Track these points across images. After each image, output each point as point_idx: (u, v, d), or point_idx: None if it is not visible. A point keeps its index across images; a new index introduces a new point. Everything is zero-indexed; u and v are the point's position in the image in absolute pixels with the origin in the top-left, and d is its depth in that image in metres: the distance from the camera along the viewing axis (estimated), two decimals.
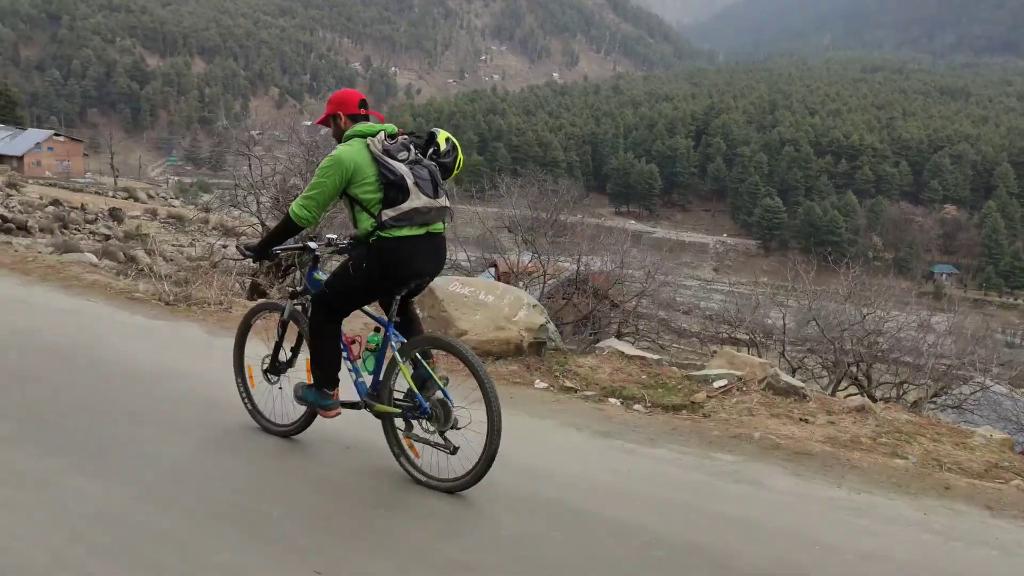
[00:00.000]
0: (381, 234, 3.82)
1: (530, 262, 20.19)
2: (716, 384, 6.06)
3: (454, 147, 4.07)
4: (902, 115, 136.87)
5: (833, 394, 10.51)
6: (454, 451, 3.87)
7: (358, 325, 4.91)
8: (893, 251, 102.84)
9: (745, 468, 4.68)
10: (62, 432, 4.55)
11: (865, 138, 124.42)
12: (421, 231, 3.88)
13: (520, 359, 6.49)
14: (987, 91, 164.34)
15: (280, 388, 4.55)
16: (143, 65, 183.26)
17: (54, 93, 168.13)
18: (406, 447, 4.10)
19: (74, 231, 22.61)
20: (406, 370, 3.99)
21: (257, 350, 4.69)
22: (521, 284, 24.24)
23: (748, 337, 17.20)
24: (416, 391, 3.94)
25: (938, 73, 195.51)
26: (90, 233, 23.19)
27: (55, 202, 34.64)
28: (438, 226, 4.01)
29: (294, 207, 3.91)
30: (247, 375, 4.70)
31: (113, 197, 45.74)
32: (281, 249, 4.28)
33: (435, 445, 3.94)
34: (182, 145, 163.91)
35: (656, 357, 7.06)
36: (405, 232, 3.82)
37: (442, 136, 4.06)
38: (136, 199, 46.21)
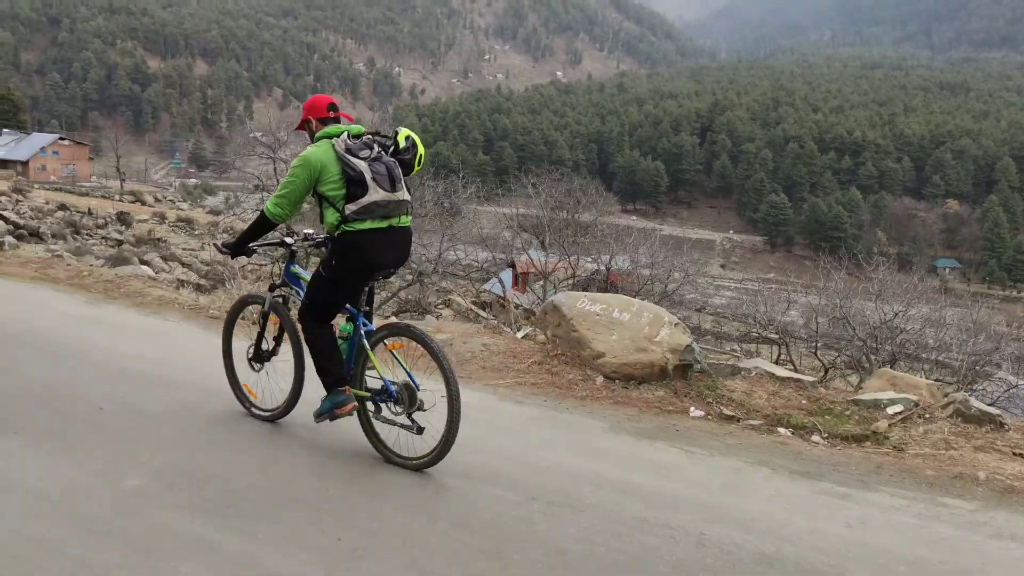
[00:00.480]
0: (345, 227, 4.05)
1: (558, 261, 20.17)
2: (891, 411, 5.48)
3: (413, 144, 4.27)
4: (903, 111, 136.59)
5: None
6: (420, 431, 4.08)
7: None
8: (897, 246, 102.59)
9: (994, 519, 4.07)
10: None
11: (867, 134, 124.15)
12: (383, 224, 4.10)
13: (665, 383, 6.01)
14: (987, 86, 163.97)
15: (266, 375, 4.78)
16: (144, 67, 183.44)
17: (55, 97, 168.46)
18: (377, 429, 4.31)
19: (86, 236, 22.50)
20: (373, 357, 4.21)
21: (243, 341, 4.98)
22: (540, 284, 24.23)
23: (778, 337, 16.85)
24: (382, 376, 4.16)
25: (937, 69, 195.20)
26: (102, 238, 23.09)
27: (63, 207, 34.64)
28: (402, 220, 4.22)
29: (268, 205, 4.18)
30: (234, 364, 4.97)
31: (120, 201, 45.76)
32: (258, 245, 4.50)
33: (402, 426, 4.14)
34: (186, 147, 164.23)
35: (810, 379, 6.53)
36: (368, 225, 4.05)
37: (402, 135, 4.27)
38: (143, 203, 46.20)
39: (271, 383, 4.74)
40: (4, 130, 77.04)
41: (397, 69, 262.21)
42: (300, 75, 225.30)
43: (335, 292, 4.24)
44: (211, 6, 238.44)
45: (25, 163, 72.34)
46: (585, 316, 6.42)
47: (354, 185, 4.00)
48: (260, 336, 4.76)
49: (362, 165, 4.01)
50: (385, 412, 4.24)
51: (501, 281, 22.21)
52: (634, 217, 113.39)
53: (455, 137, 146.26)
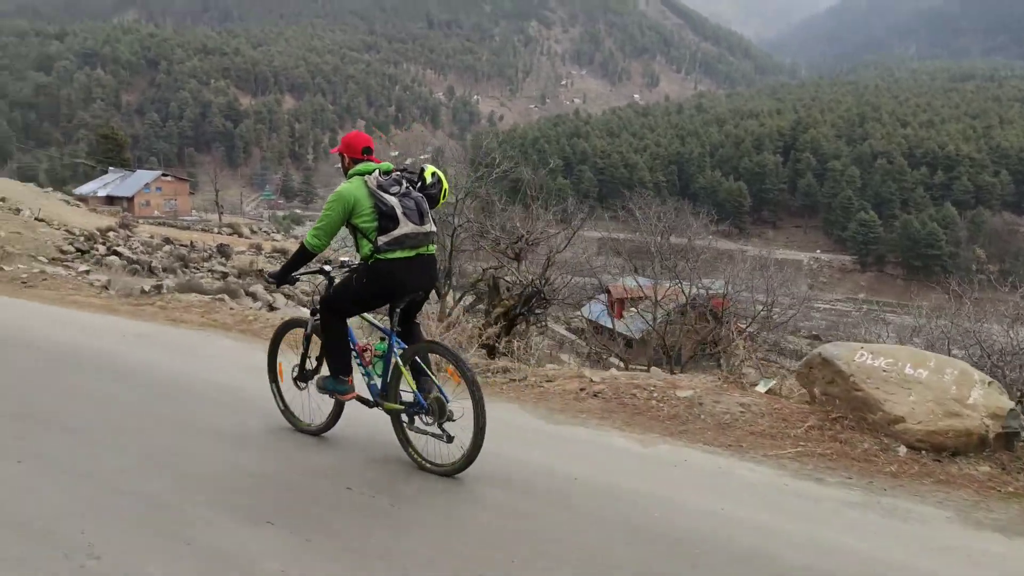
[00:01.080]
0: (378, 256, 4.43)
1: (659, 287, 20.13)
2: None
3: (439, 180, 4.65)
4: (999, 123, 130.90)
5: None
6: (450, 440, 4.44)
7: (371, 335, 5.59)
8: (998, 263, 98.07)
9: None
10: None
11: (961, 148, 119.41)
12: (411, 253, 4.48)
13: (987, 456, 5.10)
14: None
15: (309, 393, 5.13)
16: (236, 104, 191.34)
17: (154, 135, 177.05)
18: (411, 438, 4.69)
19: (193, 270, 23.56)
20: (406, 372, 4.57)
21: (289, 359, 5.30)
22: (634, 309, 24.20)
23: None
24: (415, 390, 4.54)
25: None
26: (208, 271, 24.13)
27: (167, 241, 36.29)
28: (429, 248, 4.60)
29: (307, 237, 4.58)
30: (279, 382, 5.35)
31: (218, 233, 47.55)
32: (300, 273, 4.88)
33: (433, 435, 4.50)
34: (275, 179, 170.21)
35: None
36: (398, 254, 4.43)
37: (428, 171, 4.64)
38: (240, 234, 47.94)
39: (314, 400, 5.09)
40: (110, 168, 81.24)
41: (476, 97, 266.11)
42: (382, 106, 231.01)
43: (357, 303, 4.70)
44: (298, 43, 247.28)
45: (130, 199, 76.08)
46: (869, 372, 5.58)
47: (386, 219, 4.39)
48: (304, 357, 5.11)
49: (393, 200, 4.39)
50: (418, 423, 4.60)
51: (610, 309, 22.21)
52: (710, 238, 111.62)
53: (534, 162, 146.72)
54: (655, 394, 6.13)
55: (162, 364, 6.95)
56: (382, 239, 4.39)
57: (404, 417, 4.67)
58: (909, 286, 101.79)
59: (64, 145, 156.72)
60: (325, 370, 4.97)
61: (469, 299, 19.76)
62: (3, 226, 23.82)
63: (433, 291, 19.97)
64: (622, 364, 21.25)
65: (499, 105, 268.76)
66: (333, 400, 5.00)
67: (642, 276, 23.37)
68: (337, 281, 4.91)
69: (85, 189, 76.08)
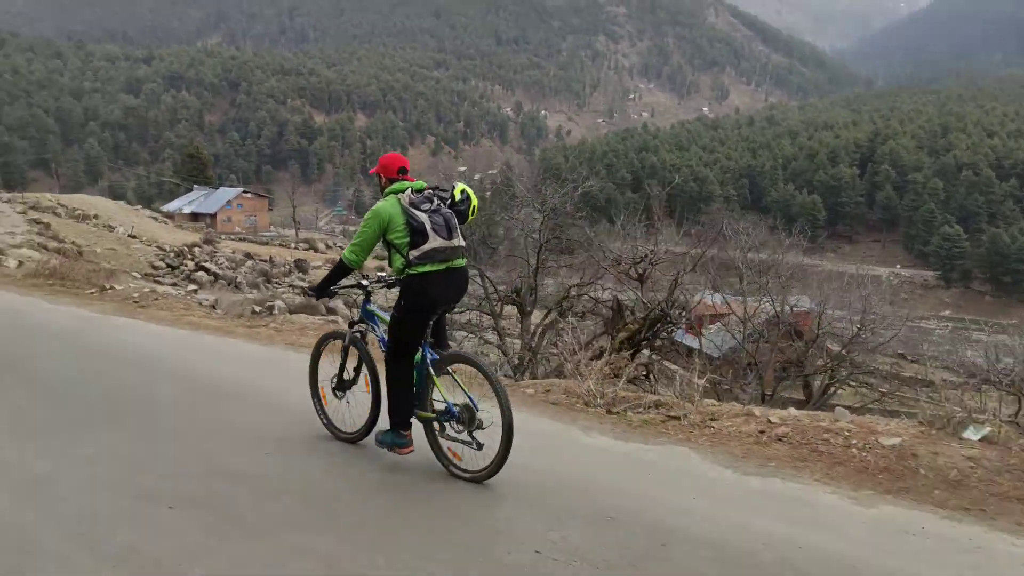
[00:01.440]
0: (410, 271, 4.63)
1: (747, 304, 19.72)
2: None
3: (468, 197, 4.84)
4: None
5: None
6: (480, 447, 4.55)
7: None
8: None
9: None
10: None
11: None
12: (442, 267, 4.66)
13: None
14: None
15: (347, 402, 5.33)
16: (311, 123, 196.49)
17: (234, 153, 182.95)
18: (443, 446, 4.82)
19: (275, 285, 24.18)
20: (438, 382, 4.72)
21: (327, 370, 5.45)
22: (713, 327, 23.78)
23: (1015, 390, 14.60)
24: (447, 399, 4.66)
25: None
26: (289, 286, 24.73)
27: (248, 256, 37.35)
28: (458, 262, 4.75)
29: (345, 253, 4.80)
30: (320, 393, 5.53)
31: (295, 248, 48.74)
32: (339, 287, 5.12)
33: (464, 443, 4.63)
34: (346, 195, 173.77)
35: None
36: (428, 268, 4.61)
37: (458, 189, 4.82)
38: (316, 250, 49.07)
39: (352, 408, 5.28)
40: (195, 186, 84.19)
41: (543, 112, 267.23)
42: (451, 122, 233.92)
43: (411, 330, 4.76)
44: (370, 63, 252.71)
45: (213, 215, 78.37)
46: None
47: (416, 234, 4.58)
48: (342, 367, 5.31)
49: (423, 217, 4.60)
50: (448, 430, 4.71)
51: (700, 329, 21.84)
52: (802, 256, 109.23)
53: (603, 176, 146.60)
54: (853, 440, 5.35)
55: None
56: (413, 253, 4.59)
57: (436, 425, 4.82)
58: (998, 303, 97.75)
59: (151, 164, 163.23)
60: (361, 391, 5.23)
61: (551, 315, 19.63)
62: (100, 243, 24.98)
63: (516, 307, 20.02)
64: (708, 384, 20.82)
65: (566, 120, 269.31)
66: (369, 409, 5.20)
67: (720, 292, 22.91)
68: (371, 298, 5.27)
69: (172, 206, 78.98)
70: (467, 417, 4.58)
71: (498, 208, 20.47)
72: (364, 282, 5.23)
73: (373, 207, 4.77)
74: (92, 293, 11.57)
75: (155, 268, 22.09)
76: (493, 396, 4.47)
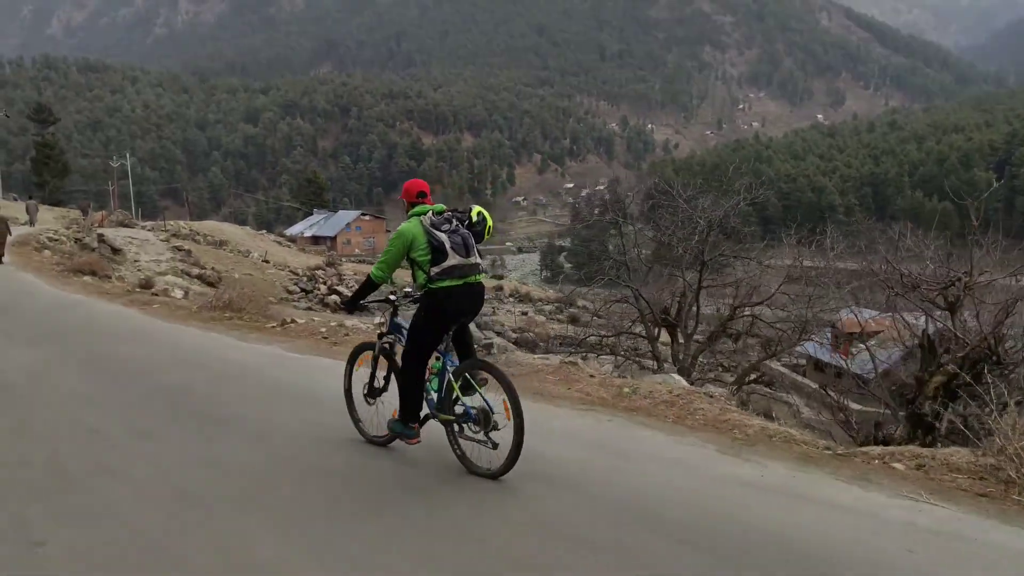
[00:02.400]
0: (431, 286, 4.98)
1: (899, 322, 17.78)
2: None
3: (483, 218, 5.19)
4: None
5: None
6: (495, 447, 4.82)
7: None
8: None
9: None
10: None
11: None
12: (460, 282, 5.00)
13: None
14: None
15: (376, 409, 5.62)
16: (420, 144, 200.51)
17: (346, 177, 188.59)
18: (462, 446, 5.10)
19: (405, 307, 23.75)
20: (456, 387, 5.02)
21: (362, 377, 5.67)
22: (865, 345, 21.83)
23: None
24: (467, 403, 4.96)
25: None
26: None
27: (391, 280, 37.40)
28: (476, 278, 5.10)
29: (373, 270, 5.20)
30: (354, 400, 5.84)
31: None
32: (368, 301, 5.59)
33: (480, 442, 4.90)
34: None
35: None
36: (447, 283, 4.96)
37: (475, 211, 5.19)
38: None
39: (382, 414, 5.55)
40: (315, 210, 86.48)
41: (650, 126, 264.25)
42: (557, 139, 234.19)
43: (428, 336, 5.11)
44: (476, 83, 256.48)
45: (333, 238, 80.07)
46: None
47: (437, 252, 4.94)
48: (372, 376, 5.64)
49: (443, 236, 4.94)
50: (467, 431, 5.01)
51: (835, 344, 20.11)
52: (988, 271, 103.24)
53: (715, 190, 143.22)
54: None
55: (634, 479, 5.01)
56: (434, 270, 4.94)
57: (456, 427, 5.11)
58: None
59: (268, 190, 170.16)
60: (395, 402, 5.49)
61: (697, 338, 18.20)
62: (237, 268, 25.27)
63: (667, 331, 18.77)
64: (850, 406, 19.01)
65: (673, 133, 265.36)
66: (401, 438, 5.43)
67: (867, 308, 20.90)
68: (398, 312, 5.54)
69: (293, 230, 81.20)
70: (483, 419, 4.86)
71: (614, 221, 19.13)
72: (392, 297, 5.59)
73: (399, 228, 5.13)
74: (274, 327, 10.70)
75: (290, 292, 21.99)
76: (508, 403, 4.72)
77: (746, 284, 17.35)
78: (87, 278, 16.28)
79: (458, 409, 5.07)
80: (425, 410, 5.27)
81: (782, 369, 25.62)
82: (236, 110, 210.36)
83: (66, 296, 13.95)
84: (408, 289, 5.52)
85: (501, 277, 52.67)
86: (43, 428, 5.72)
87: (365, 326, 12.07)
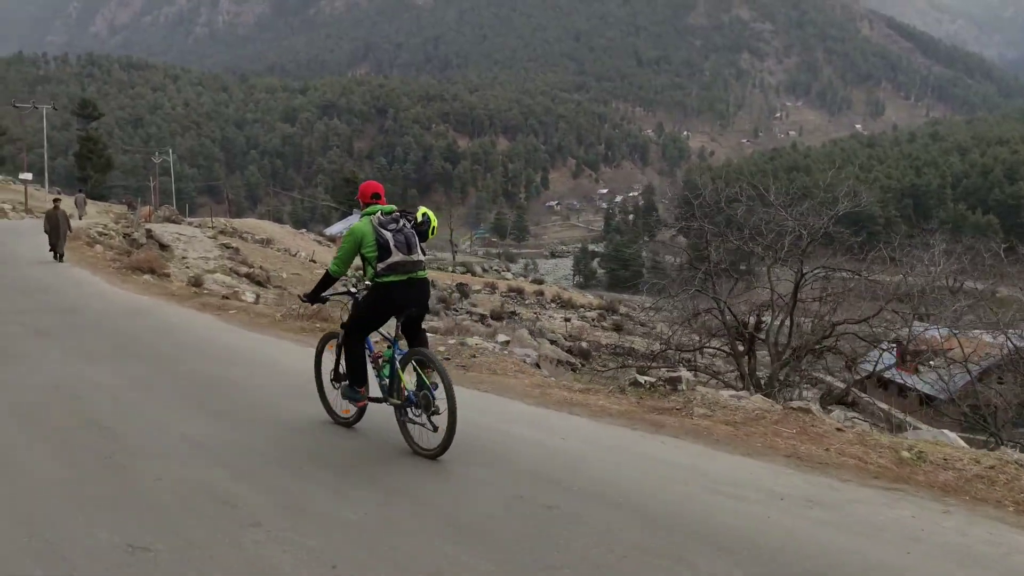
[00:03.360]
0: (377, 280, 5.46)
1: (968, 339, 17.25)
2: None
3: (428, 219, 5.60)
4: None
5: None
6: (435, 429, 5.22)
7: (383, 345, 6.05)
8: None
9: None
10: None
11: None
12: (404, 277, 5.44)
13: None
14: None
15: (342, 392, 6.05)
16: (455, 147, 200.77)
17: (381, 178, 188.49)
18: (407, 428, 5.53)
19: (454, 311, 23.48)
20: (402, 374, 5.51)
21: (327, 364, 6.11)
22: (930, 364, 21.23)
23: None
24: (409, 389, 5.43)
25: None
26: (467, 312, 24.00)
27: (460, 285, 37.21)
28: (419, 274, 5.53)
29: (330, 266, 5.76)
30: (324, 383, 6.31)
31: (452, 272, 48.72)
32: (330, 294, 6.05)
33: (422, 425, 5.34)
34: (488, 218, 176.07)
35: None
36: (392, 278, 5.41)
37: (420, 212, 5.62)
38: (473, 273, 48.86)
39: (339, 398, 6.04)
40: (354, 210, 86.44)
41: (685, 133, 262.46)
42: (592, 144, 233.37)
43: (366, 322, 5.69)
44: (512, 87, 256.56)
45: None
46: None
47: (383, 249, 5.36)
48: (337, 362, 6.04)
49: (388, 235, 5.36)
50: (411, 414, 5.43)
51: (900, 362, 19.58)
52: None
53: (752, 198, 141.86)
54: None
55: None
56: (380, 265, 5.37)
57: (402, 410, 5.52)
58: None
59: (304, 189, 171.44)
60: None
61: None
62: (284, 267, 25.24)
63: (740, 344, 18.01)
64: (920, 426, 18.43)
65: (709, 140, 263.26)
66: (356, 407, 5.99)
67: (930, 325, 20.30)
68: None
69: (333, 230, 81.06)
70: (424, 403, 5.26)
71: (699, 227, 18.03)
72: (353, 290, 5.98)
73: (351, 226, 5.62)
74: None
75: (337, 293, 21.83)
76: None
77: (856, 297, 16.63)
78: (147, 276, 15.73)
79: (404, 394, 5.49)
80: (379, 393, 5.74)
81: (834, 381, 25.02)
82: (274, 109, 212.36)
83: (133, 298, 13.25)
84: (368, 282, 5.84)
85: (541, 282, 52.44)
86: (159, 498, 4.39)
87: (492, 346, 11.49)
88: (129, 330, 10.19)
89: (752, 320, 16.46)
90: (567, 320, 33.96)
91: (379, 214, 5.46)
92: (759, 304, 17.14)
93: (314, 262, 26.39)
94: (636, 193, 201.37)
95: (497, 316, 25.13)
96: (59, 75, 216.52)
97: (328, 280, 5.82)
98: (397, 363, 5.53)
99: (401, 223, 5.42)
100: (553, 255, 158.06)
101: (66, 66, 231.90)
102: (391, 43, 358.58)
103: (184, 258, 23.28)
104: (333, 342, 6.21)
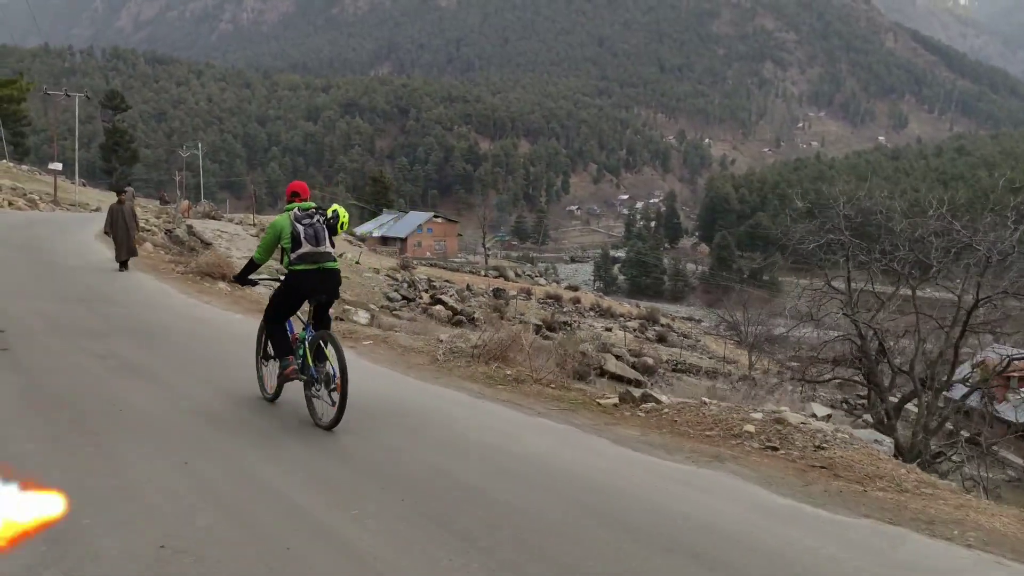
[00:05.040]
0: (289, 268, 6.03)
1: None
2: None
3: (337, 215, 6.14)
4: None
5: None
6: (334, 404, 5.72)
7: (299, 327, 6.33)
8: None
9: None
10: None
11: None
12: (313, 266, 6.00)
13: None
14: None
15: (270, 370, 6.55)
16: (476, 149, 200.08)
17: (402, 178, 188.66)
18: (312, 402, 6.07)
19: (509, 320, 22.68)
20: (308, 353, 6.04)
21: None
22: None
23: None
24: (311, 366, 6.00)
25: None
26: (520, 322, 23.18)
27: (445, 283, 36.49)
28: (328, 264, 6.08)
29: (255, 253, 6.39)
30: (260, 363, 6.80)
31: (485, 276, 47.98)
32: (259, 278, 6.80)
33: (323, 399, 5.87)
34: (508, 220, 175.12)
35: None
36: (302, 267, 5.97)
37: (331, 208, 6.17)
38: (506, 277, 48.09)
39: (271, 376, 6.50)
40: (384, 210, 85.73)
41: (707, 140, 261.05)
42: (613, 150, 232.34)
43: (282, 306, 6.25)
44: (534, 90, 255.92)
45: (404, 240, 78.48)
46: None
47: (295, 241, 5.92)
48: (264, 344, 6.62)
49: (300, 228, 5.92)
50: (313, 390, 5.97)
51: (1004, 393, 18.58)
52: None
53: (775, 207, 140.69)
54: None
55: None
56: (292, 255, 5.94)
57: (309, 386, 6.05)
58: None
59: (325, 187, 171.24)
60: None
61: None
62: None
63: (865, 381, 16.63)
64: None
65: (731, 148, 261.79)
66: (278, 378, 6.33)
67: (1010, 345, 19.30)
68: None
69: (362, 229, 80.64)
70: (325, 380, 5.82)
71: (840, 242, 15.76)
72: (281, 277, 6.37)
73: (272, 220, 6.30)
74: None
75: (390, 300, 21.08)
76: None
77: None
78: (222, 284, 13.82)
79: (311, 372, 6.01)
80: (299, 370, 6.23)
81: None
82: (297, 107, 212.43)
83: (225, 317, 10.93)
84: (285, 269, 6.41)
85: (576, 288, 51.56)
86: None
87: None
88: (239, 359, 7.68)
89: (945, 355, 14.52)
90: (608, 329, 33.15)
91: (296, 210, 6.05)
92: (897, 330, 15.55)
93: (358, 264, 25.62)
94: (657, 200, 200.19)
95: (550, 326, 24.30)
96: (84, 68, 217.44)
97: (252, 266, 6.46)
98: (306, 344, 6.10)
99: (315, 218, 6.00)
100: (573, 260, 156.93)
101: (91, 59, 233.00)
102: (414, 43, 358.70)
103: (229, 257, 22.58)
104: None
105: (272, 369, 6.46)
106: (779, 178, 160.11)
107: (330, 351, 5.79)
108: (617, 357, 17.94)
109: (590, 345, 18.10)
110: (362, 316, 13.03)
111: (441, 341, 9.49)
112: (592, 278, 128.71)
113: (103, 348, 8.08)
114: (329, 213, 6.08)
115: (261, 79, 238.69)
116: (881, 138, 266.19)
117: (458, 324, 20.34)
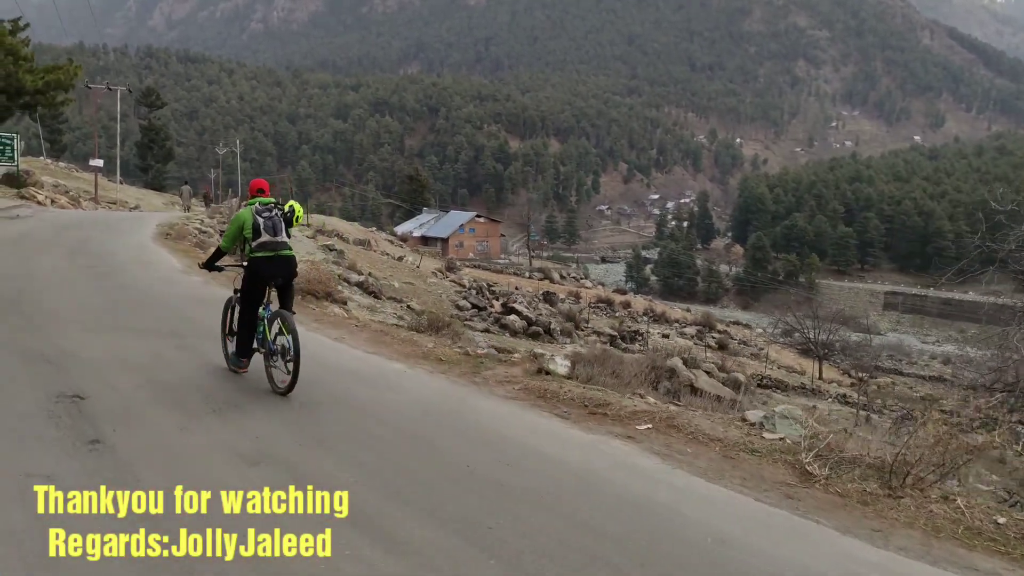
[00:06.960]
0: (250, 255, 6.71)
1: None
2: None
3: (293, 209, 6.83)
4: None
5: None
6: (289, 373, 6.42)
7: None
8: None
9: None
10: None
11: None
12: (271, 253, 6.70)
13: None
14: None
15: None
16: (506, 148, 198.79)
17: (431, 177, 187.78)
18: (271, 372, 6.74)
19: (582, 332, 21.45)
20: (267, 328, 6.72)
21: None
22: None
23: None
24: (269, 340, 6.67)
25: None
26: (594, 332, 21.95)
27: (547, 294, 35.19)
28: (283, 252, 6.76)
29: (221, 242, 7.04)
30: (225, 339, 7.47)
31: (530, 278, 46.81)
32: (227, 264, 7.56)
33: (281, 370, 6.54)
34: (539, 220, 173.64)
35: None
36: (261, 255, 6.67)
37: (287, 204, 6.87)
38: (551, 280, 46.85)
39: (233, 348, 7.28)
40: (424, 208, 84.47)
41: (738, 140, 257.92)
42: (644, 149, 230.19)
43: (250, 293, 6.81)
44: (564, 89, 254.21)
45: (445, 240, 77.10)
46: None
47: (255, 231, 6.64)
48: (230, 319, 7.32)
49: (260, 220, 6.66)
50: (272, 361, 6.63)
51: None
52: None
53: (812, 208, 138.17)
54: None
55: None
56: (252, 244, 6.65)
57: (268, 358, 6.72)
58: None
59: (355, 185, 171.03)
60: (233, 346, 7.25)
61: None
62: (395, 275, 23.41)
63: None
64: None
65: (763, 148, 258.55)
66: (231, 364, 7.25)
67: None
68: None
69: (402, 228, 79.53)
70: (281, 353, 6.48)
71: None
72: (245, 264, 6.85)
73: (236, 212, 7.32)
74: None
75: (459, 309, 19.92)
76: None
77: None
78: (337, 308, 11.34)
79: (269, 345, 6.67)
80: (257, 347, 6.92)
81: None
82: (326, 105, 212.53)
83: (377, 363, 8.05)
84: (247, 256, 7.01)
85: (625, 292, 50.21)
86: None
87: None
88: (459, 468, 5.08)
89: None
90: (665, 336, 31.83)
91: (258, 204, 6.81)
92: None
93: (417, 267, 24.56)
94: (688, 199, 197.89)
95: (622, 336, 23.00)
96: (118, 66, 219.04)
97: (219, 253, 7.20)
98: (265, 320, 6.78)
99: (273, 212, 6.74)
100: (604, 260, 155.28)
101: (125, 57, 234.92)
102: (442, 42, 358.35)
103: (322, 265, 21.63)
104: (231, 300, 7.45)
105: (234, 345, 7.24)
106: (815, 178, 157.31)
107: (286, 327, 6.46)
108: (708, 373, 16.68)
109: (678, 359, 16.78)
110: (560, 364, 8.28)
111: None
112: (624, 278, 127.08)
113: (248, 441, 5.32)
114: (286, 208, 6.83)
115: (291, 78, 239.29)
116: (917, 137, 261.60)
117: (535, 336, 19.13)
